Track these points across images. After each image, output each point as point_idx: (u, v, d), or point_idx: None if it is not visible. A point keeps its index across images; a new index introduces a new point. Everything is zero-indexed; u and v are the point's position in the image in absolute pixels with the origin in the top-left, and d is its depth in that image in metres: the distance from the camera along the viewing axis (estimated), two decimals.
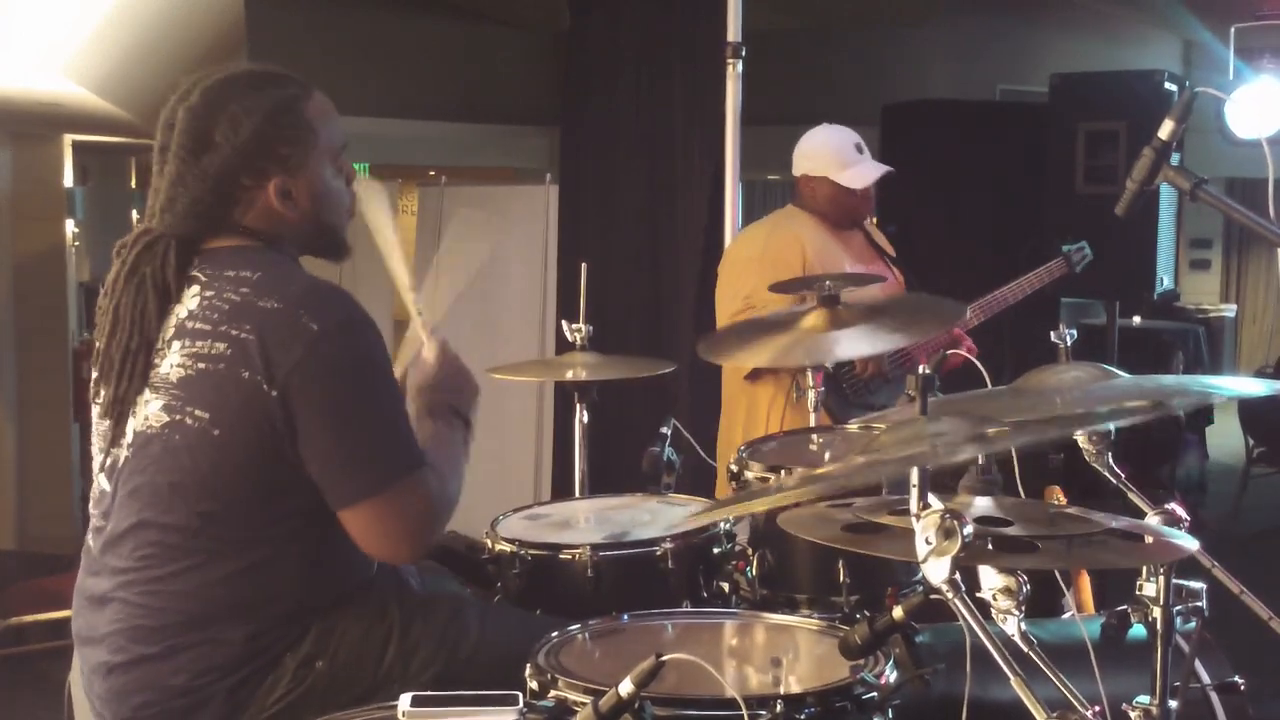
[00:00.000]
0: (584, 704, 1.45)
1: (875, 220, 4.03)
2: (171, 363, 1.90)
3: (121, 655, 1.91)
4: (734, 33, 4.03)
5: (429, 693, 1.52)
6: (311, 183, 2.00)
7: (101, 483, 2.01)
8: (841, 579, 2.26)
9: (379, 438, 1.90)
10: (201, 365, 1.88)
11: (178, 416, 1.88)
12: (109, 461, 1.99)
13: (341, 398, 1.87)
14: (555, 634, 1.89)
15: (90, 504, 2.04)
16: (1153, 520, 1.72)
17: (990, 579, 1.54)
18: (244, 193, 1.96)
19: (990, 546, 1.65)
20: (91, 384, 2.02)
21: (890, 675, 1.72)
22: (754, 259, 3.64)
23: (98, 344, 2.00)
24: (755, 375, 3.61)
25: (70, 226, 6.86)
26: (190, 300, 1.93)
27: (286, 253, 2.03)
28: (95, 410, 2.00)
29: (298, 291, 1.90)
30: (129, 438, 1.94)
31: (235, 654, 1.89)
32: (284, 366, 1.84)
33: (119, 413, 1.96)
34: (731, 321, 3.53)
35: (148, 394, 1.92)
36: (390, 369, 1.97)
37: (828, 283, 2.52)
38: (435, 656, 1.98)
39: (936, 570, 1.42)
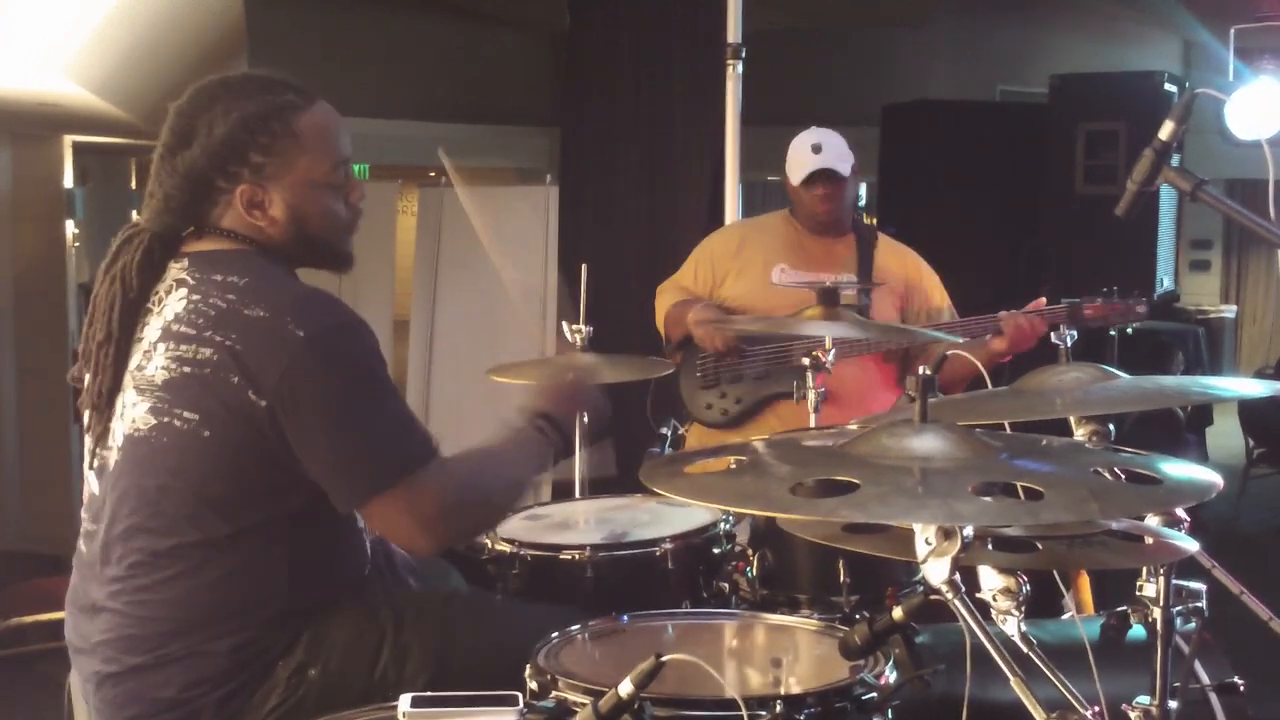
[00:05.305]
0: (584, 704, 1.45)
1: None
2: (157, 365, 1.89)
3: (112, 665, 1.91)
4: (734, 33, 4.02)
5: (429, 693, 1.51)
6: (290, 195, 1.94)
7: (91, 485, 2.00)
8: (841, 579, 2.26)
9: (375, 439, 1.88)
10: (187, 369, 1.86)
11: (165, 419, 1.87)
12: (98, 463, 1.98)
13: (333, 402, 1.84)
14: (555, 635, 1.89)
15: (82, 507, 2.03)
16: (1152, 521, 1.72)
17: (990, 579, 1.54)
18: (219, 194, 1.94)
19: (990, 546, 1.65)
20: (75, 369, 2.01)
21: (890, 675, 1.72)
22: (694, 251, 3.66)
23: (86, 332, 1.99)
24: None
25: (70, 227, 6.85)
26: (177, 303, 1.91)
27: (279, 260, 1.99)
28: (82, 401, 1.99)
29: (285, 300, 1.87)
30: (118, 440, 1.93)
31: (222, 666, 1.88)
32: (272, 376, 1.81)
33: (101, 405, 1.94)
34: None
35: (135, 396, 1.91)
36: (384, 369, 1.93)
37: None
38: (428, 659, 1.96)
39: (936, 570, 1.42)
